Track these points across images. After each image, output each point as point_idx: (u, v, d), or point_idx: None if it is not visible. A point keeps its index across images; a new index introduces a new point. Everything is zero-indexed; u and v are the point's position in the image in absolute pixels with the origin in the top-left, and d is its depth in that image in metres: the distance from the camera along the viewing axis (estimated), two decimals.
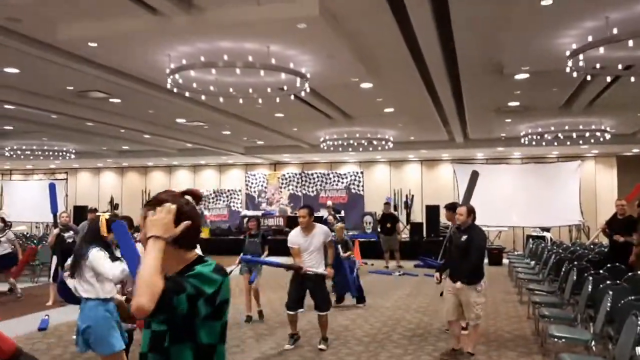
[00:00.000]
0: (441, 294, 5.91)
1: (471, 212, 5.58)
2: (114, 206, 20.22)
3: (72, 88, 9.11)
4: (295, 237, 6.08)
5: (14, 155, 16.99)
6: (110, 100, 10.01)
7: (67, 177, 22.60)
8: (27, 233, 18.43)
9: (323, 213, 16.44)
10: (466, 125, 12.66)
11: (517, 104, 10.22)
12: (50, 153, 16.93)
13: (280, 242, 17.05)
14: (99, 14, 5.75)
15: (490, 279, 11.57)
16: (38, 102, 9.76)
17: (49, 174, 23.32)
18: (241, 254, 7.40)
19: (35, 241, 13.71)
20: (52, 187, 8.17)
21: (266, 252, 7.56)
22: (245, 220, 7.94)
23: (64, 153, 17.17)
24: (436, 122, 12.08)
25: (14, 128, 13.20)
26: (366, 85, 8.71)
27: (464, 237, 5.52)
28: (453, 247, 5.73)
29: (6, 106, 10.09)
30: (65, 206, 20.97)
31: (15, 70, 7.91)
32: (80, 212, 19.63)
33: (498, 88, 8.92)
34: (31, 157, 17.40)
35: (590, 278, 5.89)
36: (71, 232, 8.85)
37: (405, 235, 16.09)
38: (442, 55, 7.00)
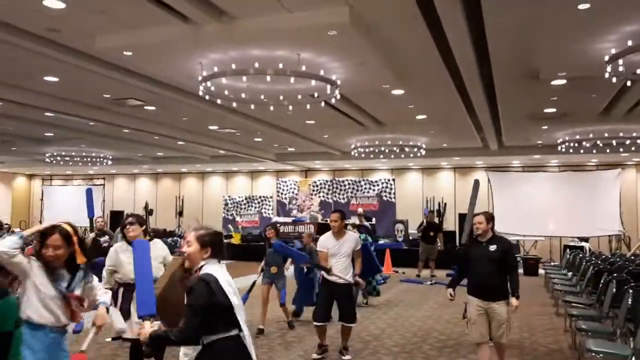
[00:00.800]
0: (464, 317, 5.14)
1: (490, 219, 5.11)
2: (148, 212, 20.61)
3: (108, 96, 9.35)
4: (325, 240, 5.99)
5: (54, 161, 17.55)
6: (146, 107, 10.23)
7: (105, 182, 23.20)
8: None
9: (354, 220, 16.37)
10: (501, 132, 12.41)
11: (553, 110, 9.96)
12: (89, 159, 17.41)
13: None
14: (133, 24, 5.88)
15: (526, 290, 11.26)
16: (76, 110, 10.05)
17: (87, 180, 23.97)
18: (262, 263, 7.23)
19: None
20: (89, 193, 8.38)
21: (288, 261, 7.33)
22: (265, 228, 7.65)
23: (102, 159, 17.63)
24: (469, 129, 11.88)
25: (54, 135, 13.64)
26: (397, 92, 8.64)
27: (494, 248, 5.00)
28: (476, 259, 5.06)
29: (46, 114, 10.43)
30: (102, 211, 21.54)
31: (54, 79, 8.17)
32: (117, 217, 20.14)
33: (534, 94, 8.72)
34: (70, 163, 17.93)
35: (631, 291, 5.66)
36: (107, 237, 9.04)
37: (440, 243, 15.87)
38: (476, 61, 6.88)
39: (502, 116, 10.49)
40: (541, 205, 16.01)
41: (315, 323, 6.00)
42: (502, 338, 4.99)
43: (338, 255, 5.85)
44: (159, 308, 3.35)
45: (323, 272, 5.93)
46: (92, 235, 8.71)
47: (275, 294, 7.24)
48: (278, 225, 8.06)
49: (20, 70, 7.69)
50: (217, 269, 2.74)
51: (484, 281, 5.00)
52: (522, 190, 16.54)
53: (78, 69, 7.35)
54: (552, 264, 14.09)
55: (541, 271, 13.31)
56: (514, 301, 4.90)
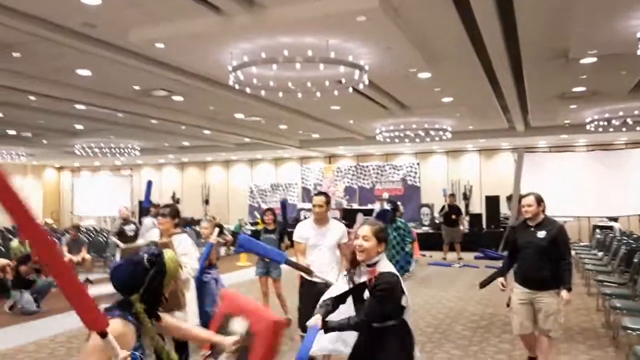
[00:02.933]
0: (508, 305, 4.78)
1: (540, 200, 4.64)
2: (175, 201, 20.96)
3: (138, 87, 9.53)
4: (303, 229, 4.87)
5: (83, 153, 17.95)
6: (173, 97, 10.40)
7: (132, 173, 23.63)
8: (97, 227, 19.42)
9: (376, 206, 16.44)
10: (527, 112, 12.30)
11: (583, 89, 9.84)
12: (116, 150, 17.76)
13: None
14: (166, 17, 6.00)
15: None
16: (106, 102, 10.27)
17: (115, 170, 24.46)
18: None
19: (104, 234, 14.43)
20: (149, 184, 8.70)
21: (287, 251, 6.35)
22: (262, 211, 7.02)
23: (129, 150, 17.97)
24: (496, 110, 11.80)
25: (84, 127, 13.95)
26: (424, 75, 8.63)
27: (543, 234, 4.55)
28: (525, 245, 4.65)
29: (77, 106, 10.69)
30: (131, 201, 21.97)
31: (87, 73, 8.37)
32: (144, 208, 20.53)
33: (562, 73, 8.62)
34: (99, 155, 18.32)
35: None
36: (132, 226, 9.26)
37: (464, 226, 15.85)
38: (504, 41, 6.85)
39: (529, 97, 10.40)
40: (569, 185, 15.78)
41: (302, 334, 4.56)
42: (550, 331, 4.53)
43: (319, 247, 4.78)
44: None
45: (302, 273, 4.77)
46: (118, 223, 9.04)
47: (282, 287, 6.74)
48: (268, 210, 7.19)
49: (55, 65, 7.89)
50: (389, 264, 2.94)
51: (530, 270, 4.59)
52: (549, 171, 16.34)
53: (110, 62, 7.51)
54: (581, 244, 13.96)
55: (572, 252, 13.20)
56: (564, 294, 4.40)
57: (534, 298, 4.56)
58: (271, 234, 6.83)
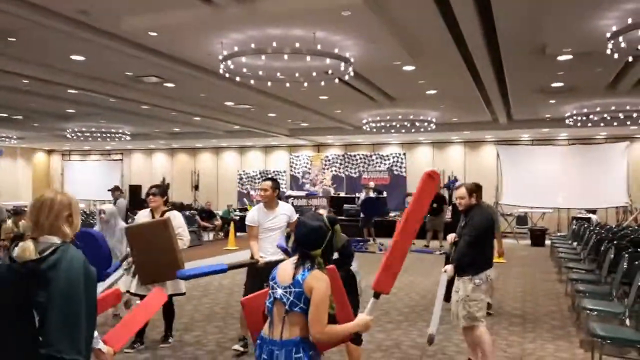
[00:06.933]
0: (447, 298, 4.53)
1: (472, 191, 4.69)
2: (165, 186, 21.18)
3: (130, 73, 9.74)
4: (257, 214, 5.10)
5: (74, 137, 18.09)
6: (165, 84, 10.61)
7: (123, 158, 23.78)
8: (86, 210, 19.61)
9: (362, 194, 16.81)
10: (510, 106, 12.66)
11: (561, 84, 10.21)
12: (107, 135, 17.92)
13: None
14: (159, 6, 6.23)
15: (532, 259, 11.82)
16: (99, 87, 10.46)
17: (105, 155, 24.58)
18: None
19: (93, 218, 14.62)
20: None
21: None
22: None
23: (120, 135, 18.13)
24: (479, 103, 12.15)
25: (76, 111, 14.10)
26: (408, 67, 8.94)
27: (464, 221, 4.69)
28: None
29: (70, 91, 10.87)
30: (121, 185, 22.14)
31: (81, 58, 8.56)
32: (135, 191, 20.77)
33: (541, 69, 8.97)
34: (90, 139, 18.46)
35: (627, 255, 6.05)
36: None
37: (447, 216, 16.27)
38: (484, 37, 7.16)
39: (510, 90, 10.75)
40: (550, 178, 16.29)
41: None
42: (464, 319, 4.49)
43: (270, 229, 5.04)
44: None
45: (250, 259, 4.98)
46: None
47: None
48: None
49: (49, 50, 8.08)
50: None
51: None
52: (531, 164, 16.82)
53: (103, 48, 7.72)
54: (558, 234, 14.46)
55: (548, 242, 13.70)
56: (448, 268, 4.37)
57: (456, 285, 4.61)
58: None
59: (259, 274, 4.80)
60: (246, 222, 5.18)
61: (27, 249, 2.01)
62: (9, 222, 9.16)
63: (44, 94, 11.45)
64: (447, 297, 4.53)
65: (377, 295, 2.60)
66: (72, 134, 17.62)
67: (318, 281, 2.42)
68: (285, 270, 2.54)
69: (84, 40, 7.29)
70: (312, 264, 2.49)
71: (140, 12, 6.44)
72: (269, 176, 4.93)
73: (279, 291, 2.48)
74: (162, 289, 3.75)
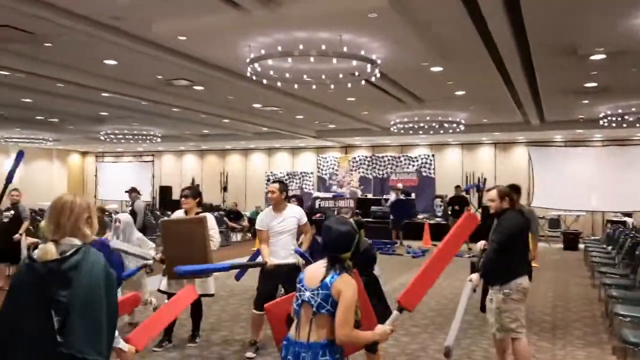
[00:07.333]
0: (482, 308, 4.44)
1: (505, 195, 4.40)
2: (196, 187, 21.51)
3: (161, 77, 9.94)
4: (265, 218, 5.06)
5: (108, 139, 18.54)
6: (194, 87, 10.79)
7: (154, 159, 24.24)
8: (118, 210, 20.07)
9: (391, 196, 16.74)
10: (541, 107, 12.42)
11: (594, 84, 9.96)
12: (139, 137, 18.31)
13: None
14: (188, 11, 6.35)
15: (564, 263, 11.57)
16: (131, 90, 10.71)
17: (137, 156, 25.10)
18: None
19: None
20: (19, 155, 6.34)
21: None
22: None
23: (151, 137, 18.50)
24: (510, 104, 11.95)
25: (109, 114, 14.45)
26: (436, 68, 8.86)
27: (494, 226, 4.47)
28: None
29: (103, 94, 11.14)
30: (152, 186, 22.63)
31: (113, 62, 8.78)
32: (165, 193, 21.16)
33: (573, 69, 8.77)
34: (122, 141, 18.90)
35: None
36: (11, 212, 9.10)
37: None
38: (513, 37, 7.03)
39: (541, 91, 10.54)
40: (583, 180, 15.91)
41: (254, 312, 5.06)
42: (499, 332, 4.36)
43: (279, 232, 5.00)
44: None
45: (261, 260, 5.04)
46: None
47: None
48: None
49: (84, 55, 8.31)
50: None
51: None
52: (564, 165, 16.46)
53: (135, 53, 7.89)
54: (592, 238, 14.09)
55: (581, 246, 13.38)
56: (474, 276, 4.10)
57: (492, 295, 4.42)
58: None
59: (272, 278, 4.96)
60: (256, 227, 5.19)
61: (48, 251, 2.04)
62: (43, 222, 9.42)
63: (79, 98, 11.77)
64: (482, 307, 4.46)
65: (400, 310, 2.67)
66: (106, 136, 18.06)
67: (347, 285, 2.46)
68: (313, 274, 2.58)
69: (117, 45, 7.47)
70: (341, 267, 2.53)
71: (170, 17, 6.56)
72: (277, 178, 4.83)
73: (307, 294, 2.53)
74: (193, 287, 3.83)
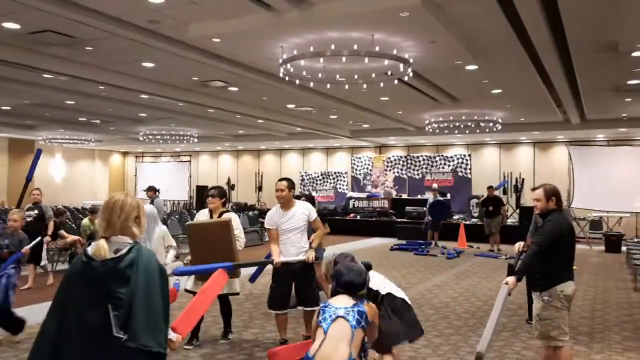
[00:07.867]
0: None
1: (552, 194, 4.05)
2: (230, 186, 21.82)
3: (196, 79, 10.14)
4: (272, 216, 5.05)
5: (146, 140, 19.03)
6: (229, 88, 10.96)
7: (190, 159, 24.72)
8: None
9: (428, 196, 16.56)
10: (582, 105, 12.07)
11: (637, 82, 9.62)
12: (177, 137, 18.72)
13: (385, 223, 17.38)
14: (223, 13, 6.47)
15: (605, 266, 11.22)
16: (168, 92, 10.98)
17: (175, 156, 25.65)
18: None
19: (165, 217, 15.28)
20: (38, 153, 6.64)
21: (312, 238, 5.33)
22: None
23: (188, 137, 18.88)
24: (548, 103, 11.67)
25: (147, 115, 14.84)
26: (471, 67, 8.74)
27: (532, 227, 4.38)
28: None
29: (142, 96, 11.46)
30: (189, 186, 23.09)
31: (151, 65, 9.02)
32: (201, 192, 21.54)
33: (614, 66, 8.51)
34: (160, 141, 19.35)
35: None
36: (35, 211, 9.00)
37: (514, 219, 15.75)
38: (550, 34, 6.88)
39: (581, 89, 10.25)
40: (627, 180, 15.35)
41: (275, 312, 5.13)
42: (537, 339, 4.17)
43: (288, 230, 4.98)
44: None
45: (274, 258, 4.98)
46: None
47: None
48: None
49: (123, 58, 8.58)
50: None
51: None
52: (606, 165, 15.93)
53: (172, 55, 8.10)
54: (635, 240, 13.60)
55: (624, 248, 12.94)
56: (510, 279, 3.84)
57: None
58: None
59: (283, 276, 5.00)
60: (265, 226, 5.20)
61: (101, 248, 2.16)
62: (86, 220, 9.75)
63: (119, 99, 12.13)
64: (530, 316, 4.29)
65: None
66: (144, 137, 18.53)
67: (372, 309, 2.99)
68: (340, 300, 2.97)
69: (154, 48, 7.69)
70: (362, 300, 3.00)
71: (205, 20, 6.71)
72: (285, 177, 4.95)
73: (341, 310, 2.87)
74: (223, 270, 3.82)
